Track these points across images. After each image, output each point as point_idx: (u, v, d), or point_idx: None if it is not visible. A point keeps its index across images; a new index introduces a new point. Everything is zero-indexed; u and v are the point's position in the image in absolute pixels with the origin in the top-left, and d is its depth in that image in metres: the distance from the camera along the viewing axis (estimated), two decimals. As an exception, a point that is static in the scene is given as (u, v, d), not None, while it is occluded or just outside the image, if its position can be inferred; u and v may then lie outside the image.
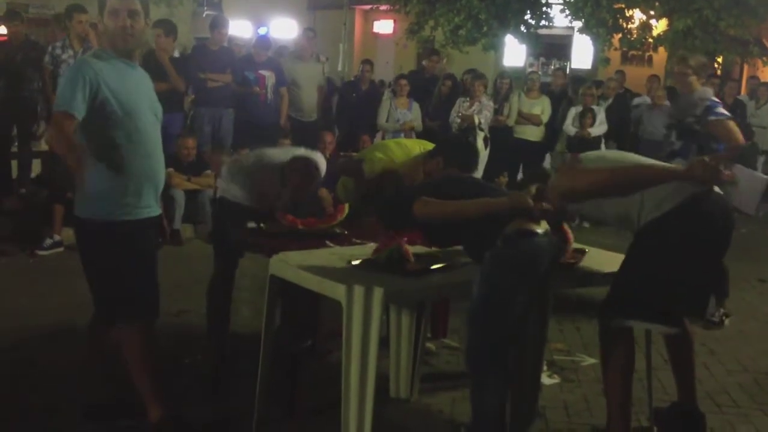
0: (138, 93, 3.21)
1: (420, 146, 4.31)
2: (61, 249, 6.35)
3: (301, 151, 4.21)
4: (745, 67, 15.38)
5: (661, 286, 3.21)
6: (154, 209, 3.31)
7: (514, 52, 17.34)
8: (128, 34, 3.13)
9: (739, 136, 4.96)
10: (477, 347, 3.11)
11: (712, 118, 4.91)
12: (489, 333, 3.07)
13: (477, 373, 3.11)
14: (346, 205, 4.21)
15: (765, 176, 5.09)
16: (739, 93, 10.92)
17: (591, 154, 3.58)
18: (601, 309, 3.39)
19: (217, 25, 7.90)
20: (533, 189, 3.21)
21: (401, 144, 4.40)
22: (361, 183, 4.21)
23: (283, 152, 4.23)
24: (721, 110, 5.01)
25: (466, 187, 3.37)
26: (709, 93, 5.08)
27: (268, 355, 3.54)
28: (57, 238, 6.38)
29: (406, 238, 3.55)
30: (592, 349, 4.72)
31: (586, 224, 8.22)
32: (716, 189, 3.33)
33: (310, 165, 4.07)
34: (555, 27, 14.69)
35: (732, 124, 5.00)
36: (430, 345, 4.53)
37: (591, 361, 4.55)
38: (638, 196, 3.22)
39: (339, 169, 4.50)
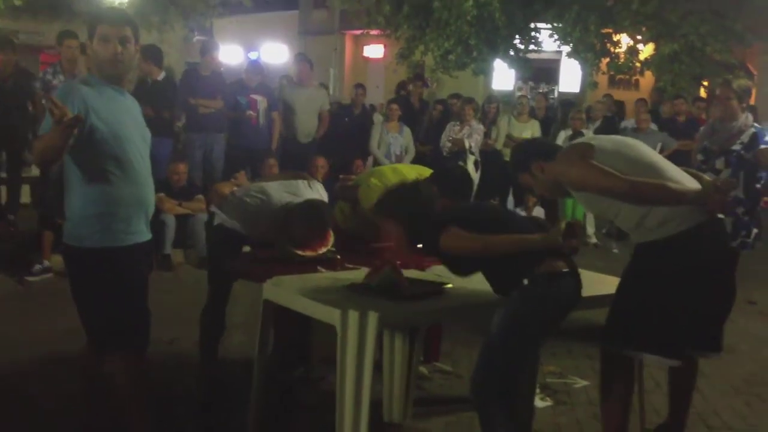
0: (127, 119, 3.17)
1: (416, 172, 4.29)
2: (50, 275, 6.32)
3: (306, 195, 4.07)
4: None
5: (661, 317, 3.17)
6: (145, 234, 3.26)
7: (503, 76, 17.47)
8: (118, 61, 3.10)
9: None
10: (488, 384, 3.08)
11: (763, 146, 4.80)
12: (504, 369, 3.06)
13: (484, 404, 3.08)
14: (331, 232, 4.17)
15: None
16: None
17: (606, 143, 3.29)
18: (602, 334, 3.35)
19: (208, 50, 7.95)
20: (563, 225, 3.09)
21: (397, 170, 4.35)
22: (358, 209, 4.20)
23: (286, 193, 4.06)
24: None
25: (496, 218, 3.27)
26: (751, 119, 4.95)
27: (261, 382, 3.53)
28: (46, 264, 6.36)
29: (399, 262, 3.57)
30: (583, 371, 4.73)
31: (615, 250, 8.29)
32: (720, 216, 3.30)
33: (319, 215, 3.95)
34: (543, 51, 14.83)
35: None
36: (422, 369, 4.52)
37: (583, 383, 4.55)
38: (645, 210, 3.17)
39: (336, 195, 4.47)
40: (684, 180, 3.22)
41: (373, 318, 3.06)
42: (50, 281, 6.23)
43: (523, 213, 8.31)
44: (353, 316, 3.07)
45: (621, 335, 3.27)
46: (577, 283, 3.20)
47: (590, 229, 8.89)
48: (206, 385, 4.16)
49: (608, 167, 3.10)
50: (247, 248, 4.33)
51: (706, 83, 13.09)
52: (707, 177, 3.46)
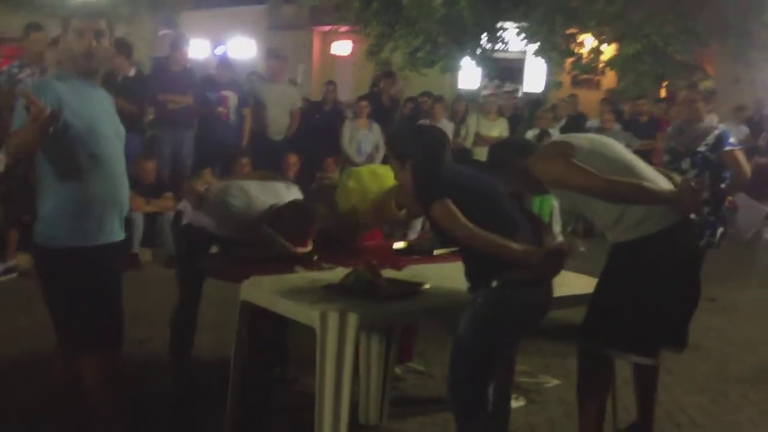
0: (101, 114, 3.12)
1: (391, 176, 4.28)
2: (14, 275, 6.19)
3: (287, 198, 4.05)
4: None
5: (638, 316, 3.24)
6: (118, 234, 3.20)
7: (469, 75, 17.54)
8: (93, 55, 3.06)
9: (747, 167, 4.99)
10: (463, 385, 3.11)
11: (728, 148, 4.93)
12: (475, 372, 3.08)
13: (461, 408, 3.10)
14: (311, 240, 4.15)
15: (766, 207, 5.15)
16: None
17: (584, 142, 3.35)
18: (580, 333, 3.41)
19: (178, 44, 7.86)
20: (554, 246, 3.13)
21: (376, 174, 4.24)
22: (334, 211, 4.20)
23: (268, 195, 4.02)
24: (733, 140, 5.04)
25: (491, 201, 3.18)
26: (715, 120, 5.07)
27: (238, 382, 3.52)
28: (11, 263, 6.23)
29: (376, 262, 3.58)
30: (554, 370, 4.80)
31: (582, 248, 8.37)
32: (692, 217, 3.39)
33: (306, 217, 3.96)
34: (509, 51, 14.93)
35: (743, 155, 5.02)
36: (396, 369, 4.55)
37: (555, 382, 4.62)
38: (622, 208, 3.24)
39: (312, 196, 4.44)
40: (658, 180, 3.31)
41: (352, 319, 3.07)
42: (15, 281, 6.12)
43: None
44: (333, 317, 3.08)
45: (599, 334, 3.33)
46: (547, 294, 3.20)
47: (557, 227, 8.99)
48: (180, 386, 4.12)
49: (587, 166, 3.15)
50: (214, 249, 4.29)
51: (665, 83, 13.31)
52: (677, 177, 3.54)
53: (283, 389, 4.19)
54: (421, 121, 8.85)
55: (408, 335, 4.73)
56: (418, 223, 7.91)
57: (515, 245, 3.01)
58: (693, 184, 3.28)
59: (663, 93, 13.70)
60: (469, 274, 3.22)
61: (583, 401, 3.49)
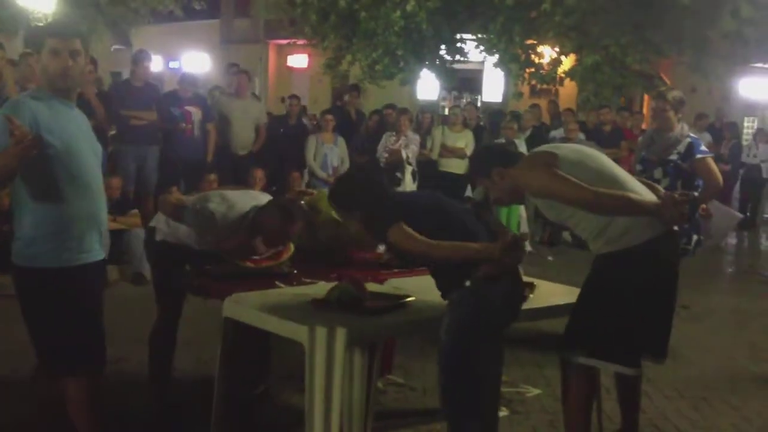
0: (77, 133, 3.10)
1: None
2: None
3: (265, 199, 4.05)
4: (645, 100, 16.10)
5: (622, 327, 3.25)
6: (98, 253, 3.18)
7: (428, 86, 17.64)
8: (69, 75, 3.04)
9: (719, 175, 5.03)
10: (451, 391, 3.13)
11: (699, 156, 4.96)
12: (460, 376, 3.09)
13: (454, 416, 3.11)
14: (291, 245, 4.15)
15: (738, 214, 5.22)
16: (642, 124, 11.44)
17: (569, 152, 3.34)
18: (563, 344, 3.41)
19: (141, 59, 7.76)
20: (509, 238, 3.15)
21: None
22: (311, 232, 4.16)
23: (247, 197, 4.02)
24: (704, 147, 5.08)
25: (445, 218, 3.28)
26: (686, 129, 5.12)
27: (222, 400, 3.45)
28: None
29: (359, 276, 3.55)
30: (534, 379, 4.80)
31: (550, 257, 8.44)
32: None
33: (290, 210, 3.90)
34: (468, 61, 15.04)
35: (713, 163, 5.06)
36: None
37: (535, 391, 4.61)
38: (606, 220, 3.24)
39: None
40: (641, 191, 3.32)
41: (341, 333, 3.04)
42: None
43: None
44: (321, 332, 3.05)
45: (582, 345, 3.33)
46: (517, 286, 3.27)
47: (524, 237, 9.04)
48: (160, 405, 4.03)
49: (572, 177, 3.16)
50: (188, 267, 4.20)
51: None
52: (660, 188, 3.56)
53: (267, 405, 4.12)
54: (387, 134, 8.84)
55: (386, 348, 4.69)
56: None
57: (473, 244, 3.12)
58: (677, 196, 3.30)
59: (623, 102, 13.92)
60: (441, 285, 3.27)
61: (569, 411, 3.49)
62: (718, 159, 9.11)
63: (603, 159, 3.41)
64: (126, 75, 12.21)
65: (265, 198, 4.05)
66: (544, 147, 3.59)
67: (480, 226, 3.31)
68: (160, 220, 4.14)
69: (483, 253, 3.09)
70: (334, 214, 3.87)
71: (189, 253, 4.03)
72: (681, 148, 5.00)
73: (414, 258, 3.33)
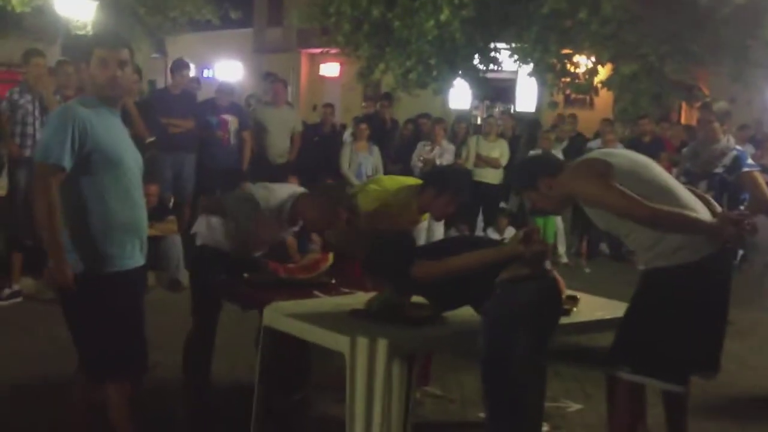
0: (123, 142, 3.17)
1: (411, 180, 4.44)
2: (19, 299, 6.09)
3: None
4: (683, 111, 15.91)
5: (672, 344, 3.17)
6: (139, 260, 3.21)
7: (460, 95, 17.60)
8: (117, 84, 3.10)
9: (765, 189, 4.91)
10: (493, 396, 3.11)
11: (746, 169, 4.89)
12: (500, 381, 3.06)
13: (496, 422, 3.07)
14: (330, 255, 4.14)
15: None
16: (685, 136, 11.25)
17: (623, 161, 3.26)
18: (610, 360, 3.34)
19: (179, 68, 7.84)
20: (520, 234, 3.16)
21: (393, 177, 4.56)
22: (355, 219, 4.17)
23: (287, 188, 4.16)
24: (751, 161, 5.00)
25: (457, 245, 3.41)
26: (732, 141, 5.03)
27: (261, 409, 3.44)
28: (16, 287, 6.12)
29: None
30: (575, 394, 4.72)
31: (587, 270, 8.36)
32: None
33: (332, 195, 4.01)
34: (501, 71, 14.97)
35: (760, 177, 4.97)
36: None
37: (577, 406, 4.53)
38: (660, 234, 3.16)
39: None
40: (696, 205, 3.23)
41: (382, 344, 3.02)
42: (20, 305, 6.01)
43: (495, 235, 8.33)
44: (362, 342, 3.03)
45: (631, 362, 3.25)
46: (548, 285, 3.23)
47: (561, 249, 8.95)
48: (196, 411, 4.02)
49: (627, 189, 3.09)
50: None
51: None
52: (717, 205, 3.46)
53: (304, 415, 4.10)
54: (422, 143, 8.81)
55: (425, 358, 4.65)
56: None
57: (489, 250, 3.26)
58: (735, 216, 3.23)
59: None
60: (474, 301, 3.29)
61: (615, 428, 3.41)
62: (764, 171, 8.97)
63: (656, 169, 3.33)
64: (161, 83, 12.31)
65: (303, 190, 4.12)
66: (597, 153, 3.51)
67: (486, 242, 3.50)
68: (201, 224, 4.17)
69: (504, 252, 3.18)
70: (377, 196, 4.12)
71: (227, 259, 4.05)
72: (727, 161, 4.91)
73: (448, 295, 3.35)
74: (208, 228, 4.10)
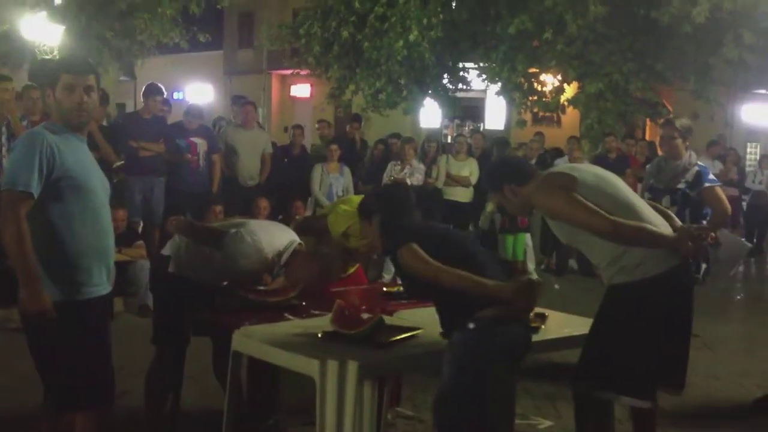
0: (90, 167, 3.15)
1: None
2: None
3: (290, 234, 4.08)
4: (648, 127, 16.16)
5: (638, 359, 3.20)
6: (105, 287, 3.17)
7: (430, 115, 17.71)
8: (83, 110, 3.07)
9: (727, 203, 4.99)
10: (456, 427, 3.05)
11: (708, 184, 4.93)
12: (461, 418, 3.03)
13: None
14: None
15: (747, 243, 5.17)
16: (648, 152, 11.39)
17: (587, 176, 3.28)
18: (576, 377, 3.36)
19: (152, 92, 7.80)
20: (525, 280, 3.14)
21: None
22: (322, 242, 4.16)
23: (284, 232, 4.07)
24: (712, 176, 5.05)
25: (458, 247, 3.27)
26: (695, 157, 5.08)
27: (232, 435, 3.41)
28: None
29: (364, 306, 3.52)
30: (545, 411, 4.74)
31: (557, 286, 8.40)
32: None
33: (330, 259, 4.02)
34: (470, 90, 15.12)
35: (722, 191, 5.03)
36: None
37: (547, 423, 4.55)
38: (622, 248, 3.21)
39: (298, 230, 4.32)
40: (656, 220, 3.29)
41: (353, 367, 3.01)
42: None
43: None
44: (332, 365, 3.02)
45: (597, 378, 3.28)
46: (525, 331, 3.20)
47: (531, 266, 9.01)
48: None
49: (590, 202, 3.13)
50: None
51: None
52: (677, 220, 3.52)
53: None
54: (392, 163, 8.85)
55: (395, 380, 4.65)
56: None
57: (485, 280, 3.04)
58: (694, 230, 3.28)
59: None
60: (444, 322, 3.21)
61: None
62: (727, 184, 9.11)
63: (619, 184, 3.38)
64: (130, 107, 12.14)
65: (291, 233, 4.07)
66: (563, 167, 3.55)
67: (489, 259, 3.29)
68: (179, 247, 3.97)
69: (494, 291, 3.02)
70: (347, 217, 4.02)
71: (198, 288, 3.90)
72: (689, 176, 4.97)
73: (422, 289, 3.28)
74: (188, 252, 3.92)
